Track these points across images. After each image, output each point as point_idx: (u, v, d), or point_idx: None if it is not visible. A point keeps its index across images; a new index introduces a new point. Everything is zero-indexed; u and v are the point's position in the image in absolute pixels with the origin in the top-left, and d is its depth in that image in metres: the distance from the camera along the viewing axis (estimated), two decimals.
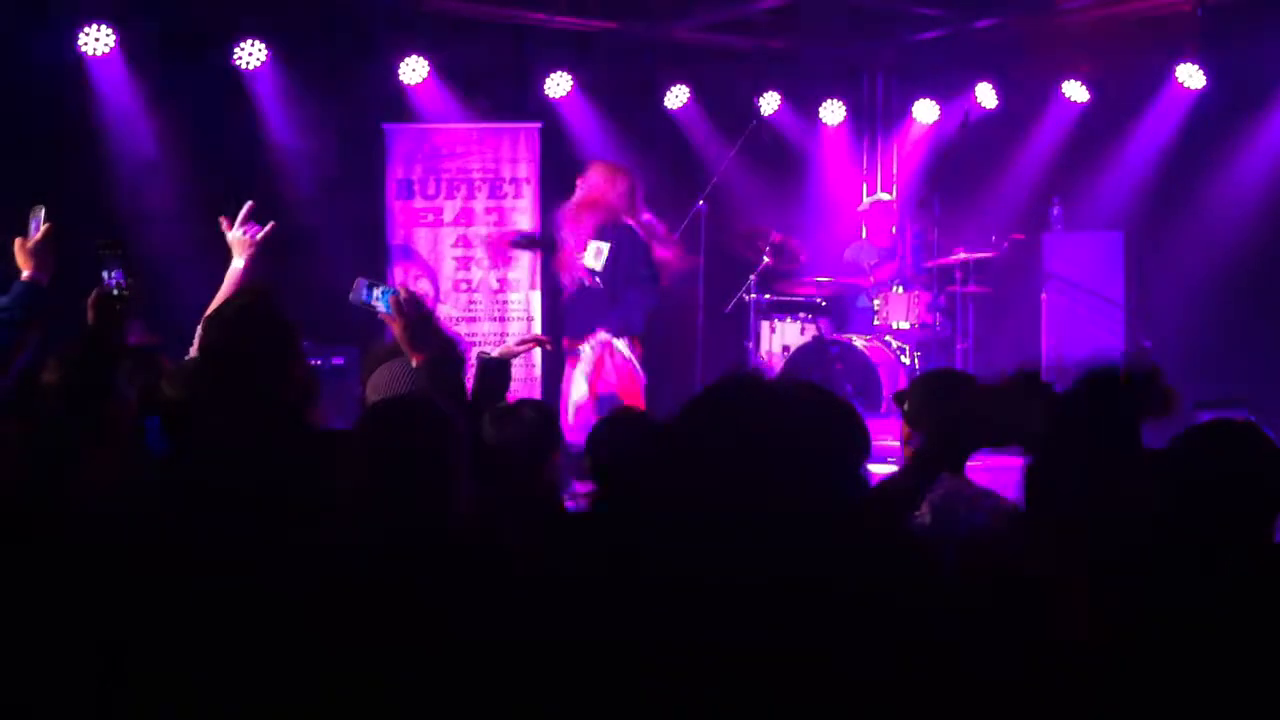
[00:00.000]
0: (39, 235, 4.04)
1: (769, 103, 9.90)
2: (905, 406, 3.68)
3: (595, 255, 7.15)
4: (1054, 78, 9.53)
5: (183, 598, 2.64)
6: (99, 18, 7.88)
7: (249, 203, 4.82)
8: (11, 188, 6.60)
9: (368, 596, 2.42)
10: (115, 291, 3.73)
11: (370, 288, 3.85)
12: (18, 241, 4.04)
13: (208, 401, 3.12)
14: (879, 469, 6.36)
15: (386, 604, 2.39)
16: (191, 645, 2.50)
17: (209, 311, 3.78)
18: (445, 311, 9.00)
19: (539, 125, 9.19)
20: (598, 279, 7.16)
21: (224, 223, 4.76)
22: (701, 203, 8.62)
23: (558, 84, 9.35)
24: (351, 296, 3.86)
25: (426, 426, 2.71)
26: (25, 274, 4.00)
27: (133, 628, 2.59)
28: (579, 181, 7.35)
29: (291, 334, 3.25)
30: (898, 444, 7.34)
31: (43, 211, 4.08)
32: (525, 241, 8.33)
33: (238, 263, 4.80)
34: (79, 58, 7.91)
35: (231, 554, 2.64)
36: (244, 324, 3.23)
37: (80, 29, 7.85)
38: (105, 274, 3.77)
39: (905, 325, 8.59)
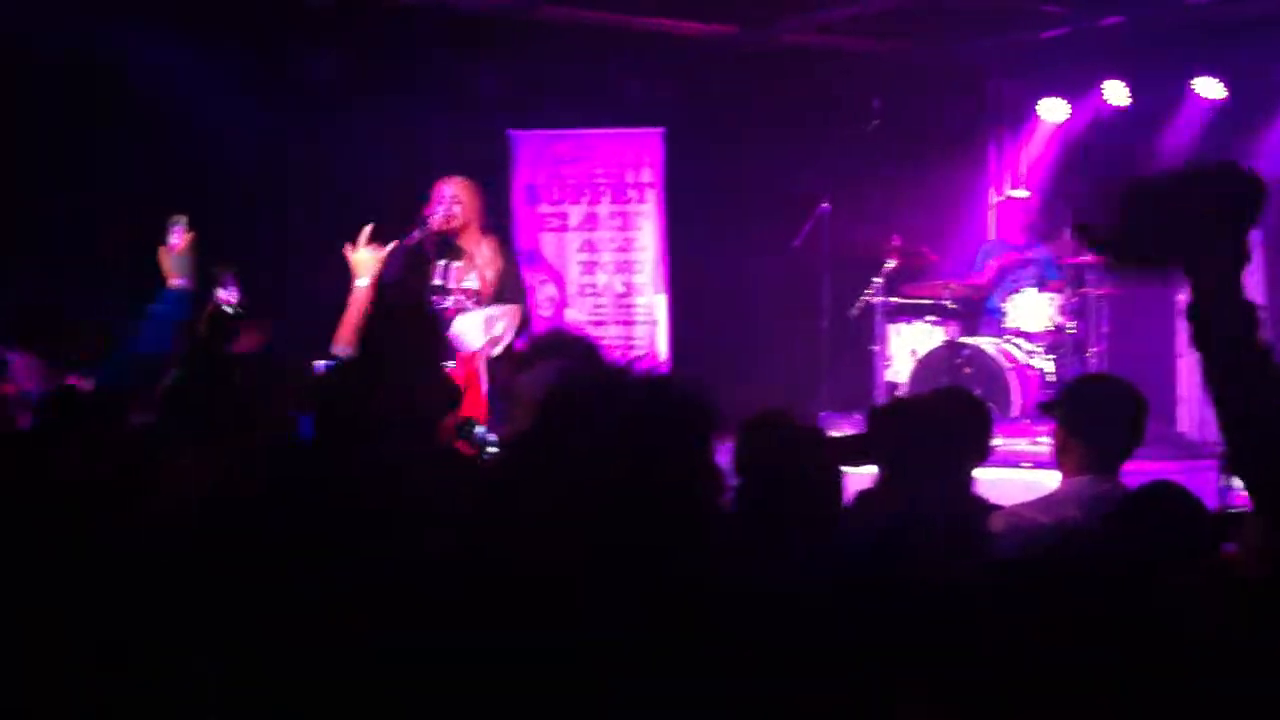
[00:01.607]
0: (183, 244, 4.20)
1: (891, 103, 9.81)
2: (1059, 412, 3.68)
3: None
4: (1186, 74, 9.31)
5: (259, 594, 2.72)
6: (231, 27, 8.07)
7: (369, 225, 5.06)
8: (150, 199, 6.82)
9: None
10: (229, 310, 3.93)
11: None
12: (161, 250, 4.20)
13: (357, 400, 3.19)
14: (1005, 474, 6.29)
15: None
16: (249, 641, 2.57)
17: (359, 323, 3.91)
18: (572, 316, 9.09)
19: (662, 130, 9.22)
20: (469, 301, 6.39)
21: (347, 247, 5.07)
22: (824, 205, 8.58)
23: (680, 88, 9.38)
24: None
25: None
26: (174, 281, 4.17)
27: (202, 623, 2.67)
28: (453, 193, 6.35)
29: (442, 339, 3.35)
30: (1030, 448, 7.28)
31: (184, 221, 4.23)
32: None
33: (362, 282, 5.07)
34: (201, 67, 8.08)
35: (324, 554, 2.70)
36: (407, 327, 3.31)
37: (208, 41, 8.03)
38: (221, 290, 3.96)
39: (1037, 328, 8.44)
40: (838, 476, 3.35)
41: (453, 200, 6.26)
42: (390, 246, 5.22)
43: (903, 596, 2.18)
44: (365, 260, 5.25)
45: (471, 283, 6.28)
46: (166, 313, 4.08)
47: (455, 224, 6.24)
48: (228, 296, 4.25)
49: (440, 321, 3.62)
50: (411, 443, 3.13)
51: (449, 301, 6.29)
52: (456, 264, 6.28)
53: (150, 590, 2.68)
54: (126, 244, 5.14)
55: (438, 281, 6.29)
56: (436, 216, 6.19)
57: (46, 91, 7.77)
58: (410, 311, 3.45)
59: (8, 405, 4.11)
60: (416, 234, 6.10)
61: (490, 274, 6.29)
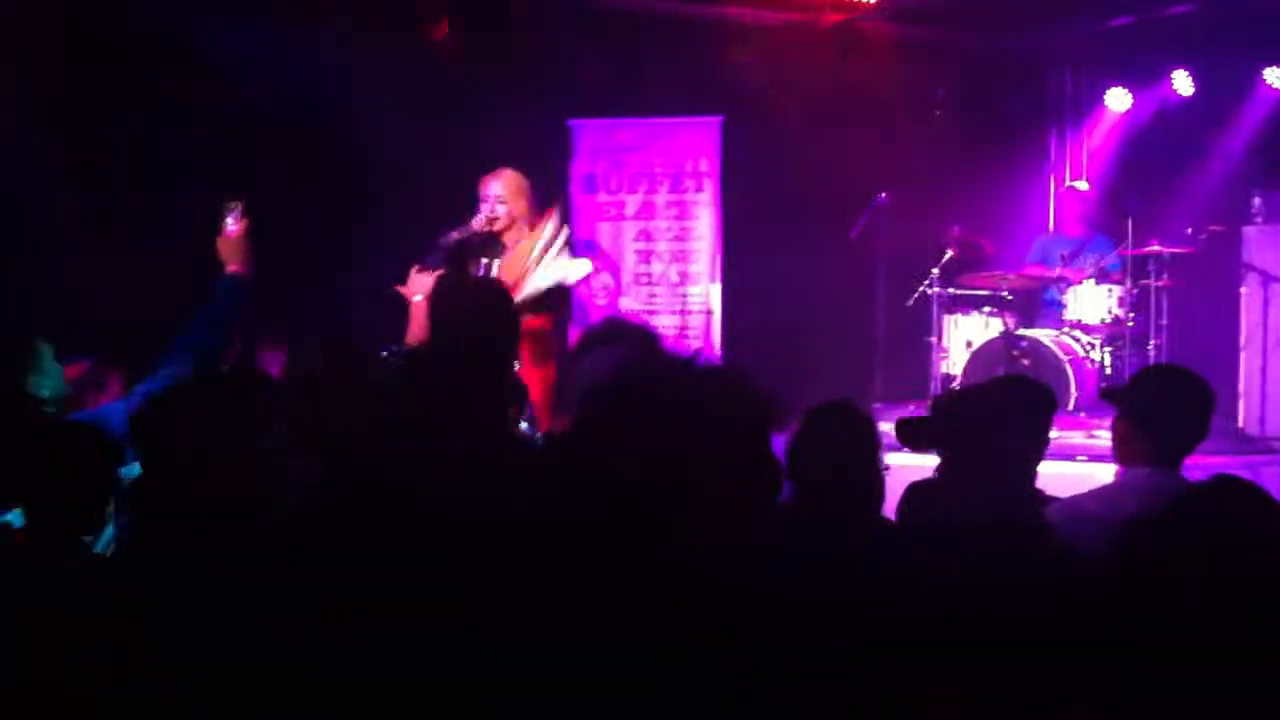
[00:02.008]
0: (238, 230, 4.22)
1: (954, 92, 9.73)
2: (1125, 402, 3.63)
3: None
4: (1255, 63, 9.17)
5: (353, 585, 2.73)
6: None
7: (414, 268, 5.21)
8: (211, 185, 6.89)
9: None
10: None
11: None
12: (219, 238, 4.23)
13: (425, 390, 3.17)
14: (1060, 467, 6.23)
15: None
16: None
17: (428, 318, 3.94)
18: (627, 305, 9.10)
19: (720, 119, 9.20)
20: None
21: (399, 288, 5.21)
22: (883, 195, 8.53)
23: (740, 76, 9.35)
24: None
25: None
26: (229, 268, 4.19)
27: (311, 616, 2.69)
28: (498, 192, 6.22)
29: (517, 331, 3.32)
30: (1086, 441, 7.21)
31: (239, 208, 4.25)
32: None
33: (419, 297, 5.16)
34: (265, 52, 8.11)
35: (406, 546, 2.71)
36: (485, 316, 3.28)
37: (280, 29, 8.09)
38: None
39: (1096, 321, 8.36)
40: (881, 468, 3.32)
41: (496, 200, 6.19)
42: (427, 288, 5.35)
43: (970, 599, 2.16)
44: (417, 282, 5.39)
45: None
46: (226, 300, 4.11)
47: (499, 225, 6.16)
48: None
49: (516, 314, 3.59)
50: (478, 435, 3.11)
51: None
52: (498, 261, 6.20)
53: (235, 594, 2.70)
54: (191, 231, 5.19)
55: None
56: (478, 218, 6.16)
57: (135, 78, 7.89)
58: (486, 302, 3.42)
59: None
60: (454, 234, 6.06)
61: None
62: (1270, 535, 2.61)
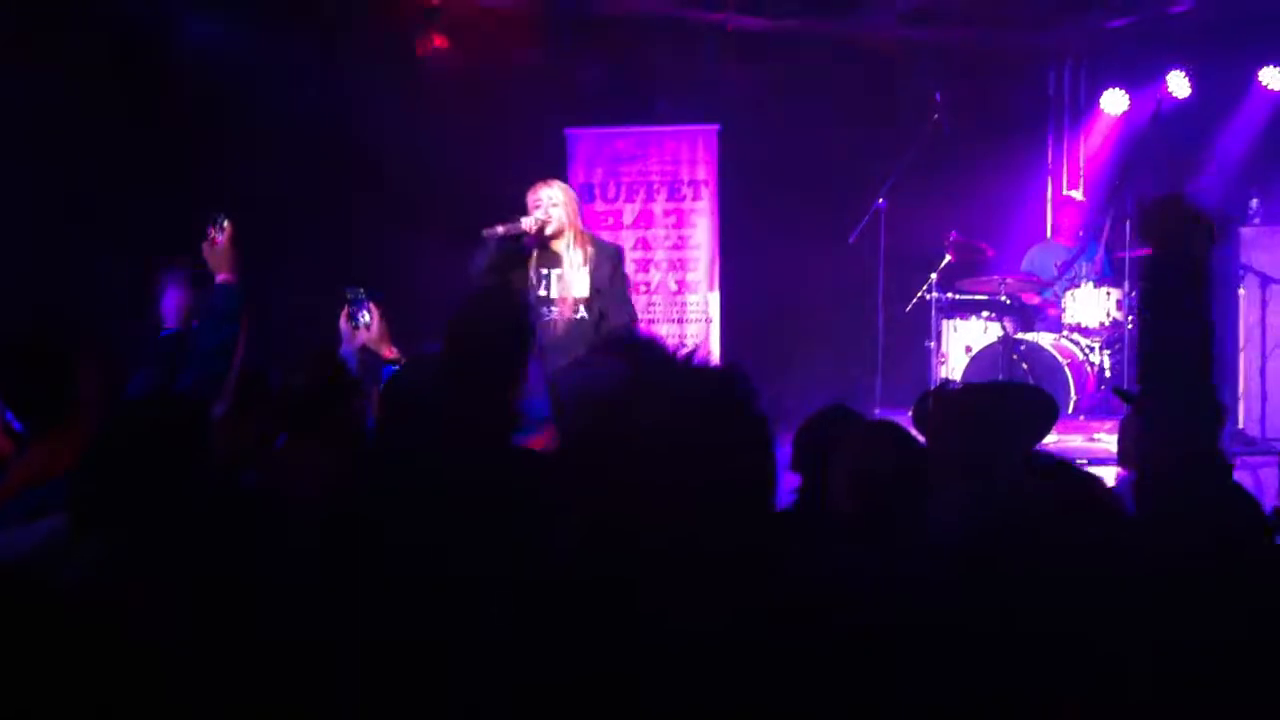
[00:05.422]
0: (224, 238, 4.24)
1: (952, 97, 9.73)
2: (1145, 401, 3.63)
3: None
4: (1251, 64, 9.17)
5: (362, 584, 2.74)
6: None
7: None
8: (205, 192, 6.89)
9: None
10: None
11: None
12: (205, 246, 4.25)
13: (447, 397, 3.14)
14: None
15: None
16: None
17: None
18: None
19: (717, 127, 9.21)
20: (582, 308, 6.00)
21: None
22: (881, 200, 8.53)
23: (737, 85, 9.35)
24: None
25: None
26: (220, 276, 4.22)
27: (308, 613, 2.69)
28: (544, 200, 5.99)
29: (530, 335, 3.28)
30: (1086, 445, 7.19)
31: (223, 218, 4.28)
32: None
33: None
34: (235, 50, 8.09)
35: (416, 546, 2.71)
36: (496, 321, 3.24)
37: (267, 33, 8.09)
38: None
39: (1094, 324, 8.36)
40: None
41: (549, 203, 5.92)
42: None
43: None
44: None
45: (580, 290, 5.92)
46: (221, 307, 4.13)
47: (550, 229, 5.90)
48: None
49: (532, 317, 3.48)
50: (487, 440, 3.09)
51: (554, 312, 5.94)
52: (557, 271, 5.95)
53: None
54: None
55: (541, 292, 5.96)
56: (527, 219, 5.87)
57: (152, 88, 7.90)
58: (500, 304, 3.38)
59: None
60: (500, 229, 5.87)
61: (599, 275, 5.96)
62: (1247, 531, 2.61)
